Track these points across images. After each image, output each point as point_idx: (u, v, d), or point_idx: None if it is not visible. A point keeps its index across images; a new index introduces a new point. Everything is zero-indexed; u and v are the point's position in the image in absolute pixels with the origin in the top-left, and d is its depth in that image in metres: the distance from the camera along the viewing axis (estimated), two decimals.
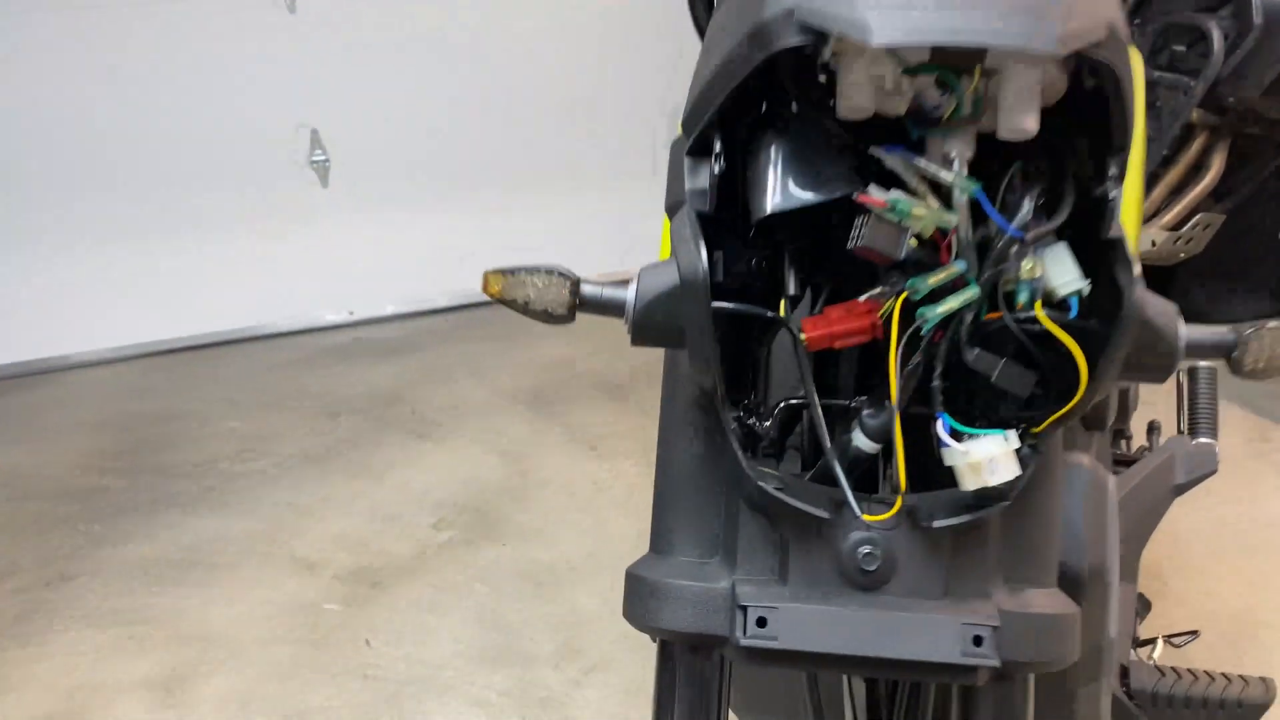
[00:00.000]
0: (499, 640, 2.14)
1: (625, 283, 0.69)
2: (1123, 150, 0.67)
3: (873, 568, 0.71)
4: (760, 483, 0.69)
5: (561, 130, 4.10)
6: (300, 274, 3.85)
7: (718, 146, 0.68)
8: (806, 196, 0.67)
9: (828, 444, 0.71)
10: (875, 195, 0.66)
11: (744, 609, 0.71)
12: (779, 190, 0.67)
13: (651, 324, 0.67)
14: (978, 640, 0.70)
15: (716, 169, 0.68)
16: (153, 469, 2.87)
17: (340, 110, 3.75)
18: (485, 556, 2.43)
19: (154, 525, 2.62)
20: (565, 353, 3.58)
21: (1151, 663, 1.48)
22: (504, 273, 0.68)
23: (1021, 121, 0.65)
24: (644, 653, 2.16)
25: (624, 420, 3.04)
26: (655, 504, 0.80)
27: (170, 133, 3.58)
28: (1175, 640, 1.67)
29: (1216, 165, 1.62)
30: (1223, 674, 1.37)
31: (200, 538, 2.57)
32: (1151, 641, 1.62)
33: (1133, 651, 1.50)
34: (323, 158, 3.73)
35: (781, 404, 0.79)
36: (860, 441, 0.73)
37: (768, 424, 0.79)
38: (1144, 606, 1.72)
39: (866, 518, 0.70)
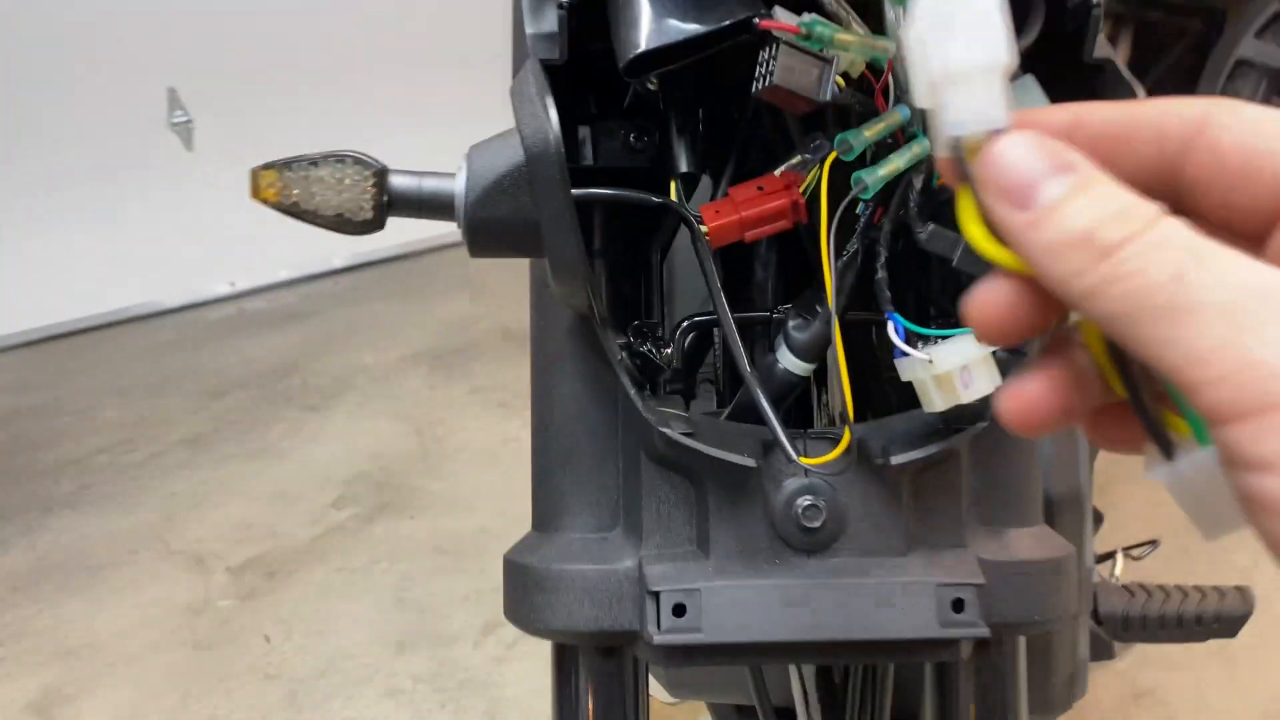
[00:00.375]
0: (412, 622, 1.96)
1: (441, 173, 0.50)
2: None
3: (816, 524, 0.54)
4: (662, 429, 0.51)
5: (441, 72, 3.86)
6: (174, 247, 3.57)
7: None
8: (691, 28, 0.48)
9: (746, 369, 0.53)
10: (784, 19, 0.48)
11: (655, 595, 0.54)
12: (654, 22, 0.48)
13: (492, 222, 0.49)
14: (958, 604, 0.54)
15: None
16: (28, 469, 2.62)
17: (199, 65, 3.45)
18: (392, 532, 2.24)
19: (32, 530, 2.38)
20: (469, 308, 3.37)
21: (1115, 581, 1.35)
22: (279, 167, 0.49)
23: None
24: None
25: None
26: (534, 469, 0.62)
27: (13, 100, 3.26)
28: (1134, 553, 1.56)
29: (1121, 53, 1.51)
30: (1196, 588, 1.24)
31: (82, 539, 2.33)
32: (1110, 555, 1.50)
33: (1095, 571, 1.38)
34: (184, 118, 3.44)
35: (684, 323, 0.61)
36: (788, 362, 0.56)
37: (668, 351, 0.61)
38: (1097, 519, 1.60)
39: (804, 460, 0.52)
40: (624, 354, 0.55)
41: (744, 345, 0.60)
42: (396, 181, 0.49)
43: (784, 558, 0.55)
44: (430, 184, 0.49)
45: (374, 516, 2.29)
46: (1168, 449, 0.32)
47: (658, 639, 0.53)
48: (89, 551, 2.29)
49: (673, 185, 0.55)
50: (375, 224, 0.49)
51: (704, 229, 0.53)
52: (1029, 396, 0.33)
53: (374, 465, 2.49)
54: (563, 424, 0.60)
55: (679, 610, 0.53)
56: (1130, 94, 0.48)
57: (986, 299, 0.32)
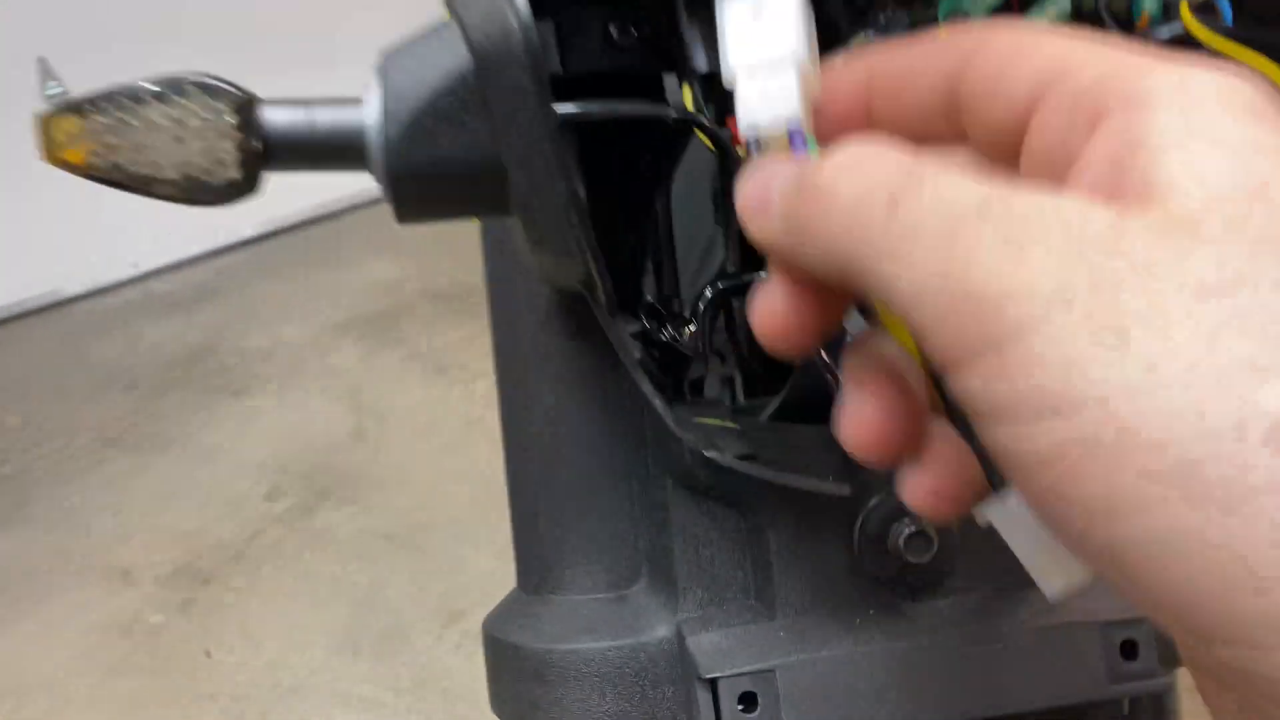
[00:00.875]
0: (368, 621, 1.79)
1: (339, 100, 0.33)
2: None
3: (925, 558, 0.39)
4: (709, 453, 0.35)
5: (359, 15, 3.59)
6: (66, 231, 3.30)
7: None
8: None
9: (821, 351, 0.37)
10: None
11: (711, 684, 0.38)
12: None
13: (425, 167, 0.31)
14: (1128, 649, 0.39)
15: None
16: None
17: (68, 28, 3.16)
18: (334, 523, 2.06)
19: None
20: (392, 270, 3.16)
21: None
22: (84, 109, 0.31)
23: None
24: None
25: (479, 336, 2.66)
26: (515, 511, 0.46)
27: None
28: None
29: None
30: None
31: None
32: None
33: None
34: (59, 89, 3.14)
35: (710, 288, 0.44)
36: (857, 325, 0.39)
37: (690, 330, 0.44)
38: None
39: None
40: (640, 347, 0.38)
41: None
42: (273, 117, 0.31)
43: (879, 605, 0.40)
44: (325, 117, 0.32)
45: (314, 507, 2.10)
46: (995, 476, 0.27)
47: None
48: None
49: (686, 91, 0.38)
50: (244, 186, 0.32)
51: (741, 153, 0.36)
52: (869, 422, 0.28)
53: (308, 449, 2.30)
54: (550, 448, 0.43)
55: (748, 702, 0.37)
56: None
57: (763, 310, 0.28)
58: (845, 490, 0.36)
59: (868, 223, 0.24)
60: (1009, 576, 0.39)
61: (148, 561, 2.03)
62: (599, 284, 0.33)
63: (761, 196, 0.27)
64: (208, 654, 1.78)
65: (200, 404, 2.55)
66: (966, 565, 0.39)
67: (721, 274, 0.44)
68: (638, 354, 0.36)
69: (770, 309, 0.28)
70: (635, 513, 0.43)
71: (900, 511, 0.39)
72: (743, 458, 0.36)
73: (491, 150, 0.31)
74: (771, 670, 0.37)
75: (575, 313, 0.42)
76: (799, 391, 0.42)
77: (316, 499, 2.12)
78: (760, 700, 0.37)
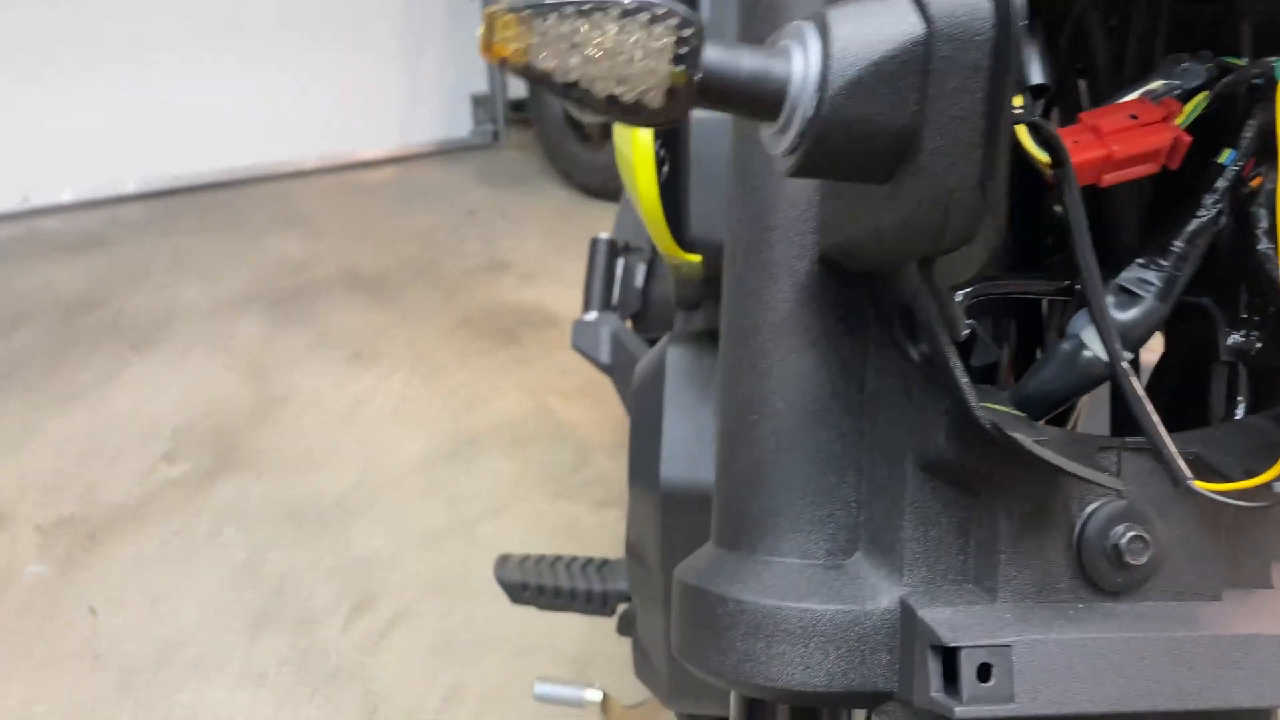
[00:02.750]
0: (268, 599, 1.73)
1: (768, 48, 0.34)
2: None
3: (1141, 560, 0.42)
4: (1014, 434, 0.38)
5: None
6: None
7: None
8: None
9: (1119, 354, 0.40)
10: None
11: (951, 652, 0.40)
12: None
13: (855, 126, 0.33)
14: None
15: None
16: None
17: None
18: (233, 493, 1.99)
19: None
20: (302, 247, 3.08)
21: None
22: (528, 14, 0.32)
23: None
24: (452, 596, 1.84)
25: (387, 323, 2.62)
26: (726, 468, 0.47)
27: None
28: None
29: None
30: (588, 560, 1.16)
31: None
32: None
33: None
34: None
35: (968, 290, 0.47)
36: (1099, 348, 0.43)
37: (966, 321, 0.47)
38: None
39: (1205, 487, 0.40)
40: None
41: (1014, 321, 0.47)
42: (714, 57, 0.33)
43: (1088, 601, 0.43)
44: (750, 62, 0.34)
45: (213, 476, 2.03)
46: None
47: (961, 711, 0.39)
48: None
49: (1018, 100, 0.41)
50: (669, 112, 0.33)
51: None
52: None
53: (208, 417, 2.22)
54: (784, 415, 0.45)
55: (984, 673, 0.40)
56: None
57: None
58: (1120, 485, 0.39)
59: None
60: (1203, 585, 0.43)
61: (28, 512, 1.92)
62: (977, 257, 0.35)
63: None
64: (93, 612, 1.69)
65: (91, 355, 2.43)
66: (1167, 572, 0.43)
67: (983, 279, 0.47)
68: (964, 328, 0.39)
69: None
70: (862, 486, 0.45)
71: (1123, 515, 0.42)
72: (1039, 441, 0.38)
73: (914, 118, 0.33)
74: (1009, 645, 0.40)
75: (831, 283, 0.44)
76: (1034, 398, 0.45)
77: (215, 466, 2.05)
78: (995, 673, 0.40)
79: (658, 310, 1.59)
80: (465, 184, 3.62)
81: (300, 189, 3.54)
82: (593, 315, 1.44)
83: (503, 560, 1.13)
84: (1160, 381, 0.48)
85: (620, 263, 1.58)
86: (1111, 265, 0.44)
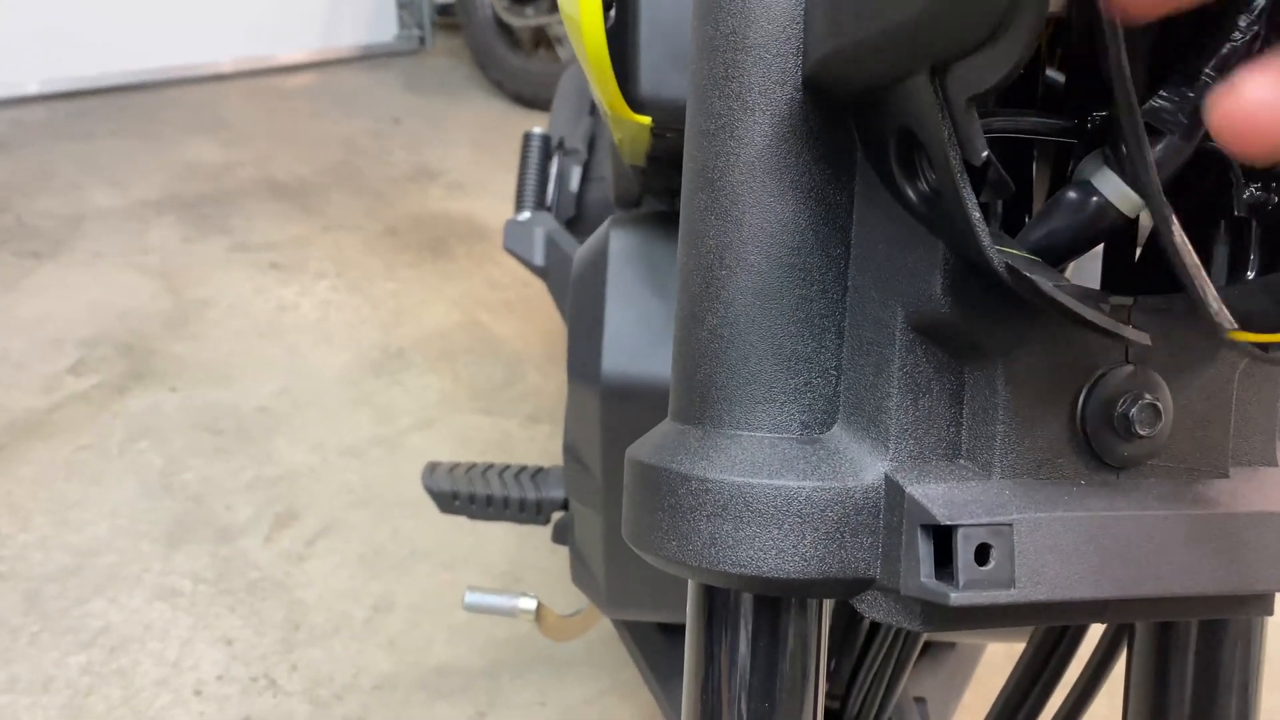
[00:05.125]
0: (185, 513, 1.66)
1: None
2: None
3: (1152, 430, 0.38)
4: (1031, 275, 0.33)
5: None
6: None
7: None
8: None
9: (1150, 171, 0.35)
10: None
11: (945, 533, 0.36)
12: None
13: None
14: None
15: None
16: None
17: None
18: (150, 407, 1.90)
19: None
20: (220, 153, 2.95)
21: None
22: None
23: None
24: (379, 509, 1.78)
25: (309, 232, 2.52)
26: (686, 332, 0.42)
27: None
28: None
29: None
30: (522, 468, 1.11)
31: None
32: None
33: None
34: None
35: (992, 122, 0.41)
36: (1112, 191, 0.38)
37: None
38: None
39: (1247, 337, 0.35)
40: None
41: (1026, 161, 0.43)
42: None
43: (1089, 475, 0.39)
44: None
45: (126, 387, 1.93)
46: None
47: (957, 597, 0.35)
48: None
49: None
50: None
51: None
52: None
53: (120, 326, 2.11)
54: (758, 265, 0.40)
55: (982, 555, 0.36)
56: None
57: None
58: (1146, 339, 0.35)
59: None
60: (1209, 461, 0.40)
61: None
62: (1007, 57, 0.30)
63: None
64: None
65: None
66: (1174, 447, 0.39)
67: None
68: (992, 161, 0.34)
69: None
70: (843, 350, 0.40)
71: (1133, 381, 0.38)
72: (1058, 285, 0.34)
73: None
74: (1009, 524, 0.36)
75: (816, 115, 0.39)
76: (1042, 244, 0.41)
77: (129, 380, 1.95)
78: (994, 555, 0.36)
79: (594, 215, 1.53)
80: (390, 91, 3.49)
81: (217, 93, 3.38)
82: (526, 215, 1.37)
83: (431, 468, 1.08)
84: (1158, 239, 0.44)
85: (555, 162, 1.51)
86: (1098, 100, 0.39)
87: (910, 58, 0.33)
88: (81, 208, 2.58)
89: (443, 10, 3.79)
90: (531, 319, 2.17)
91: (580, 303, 0.78)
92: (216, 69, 3.50)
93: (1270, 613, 0.42)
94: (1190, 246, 0.35)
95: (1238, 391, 0.41)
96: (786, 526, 0.38)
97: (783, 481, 0.38)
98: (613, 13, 0.61)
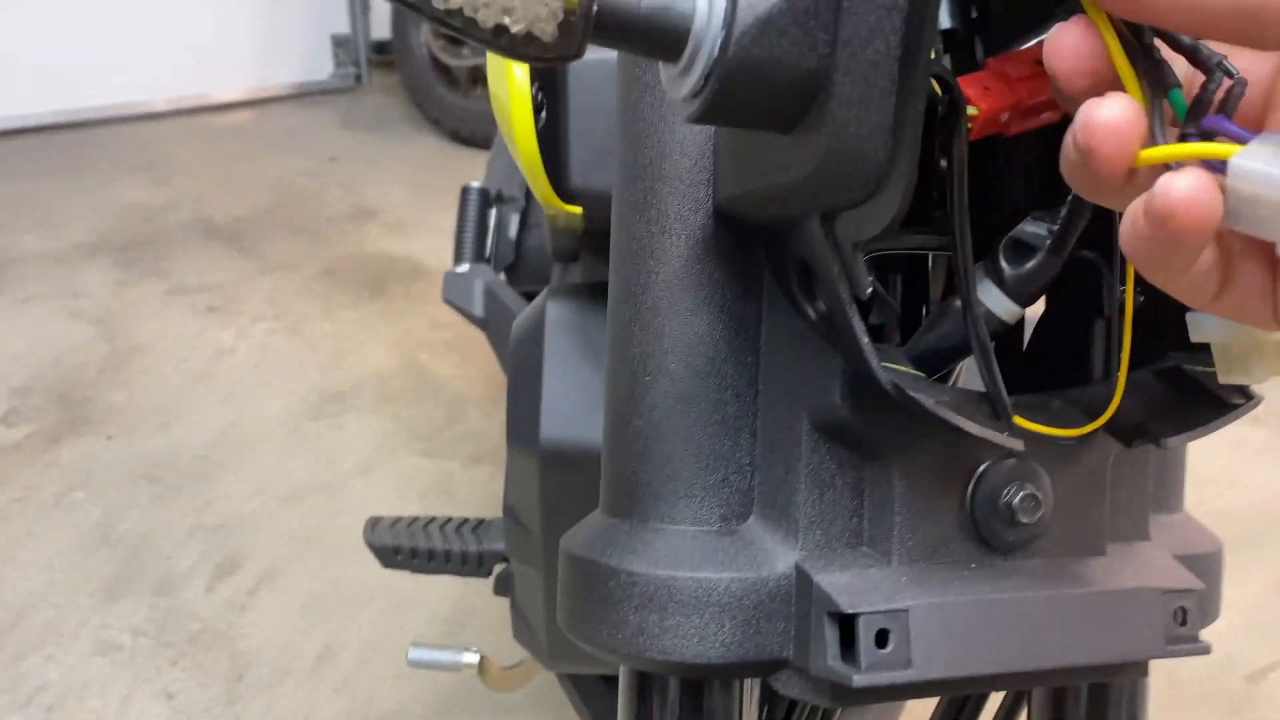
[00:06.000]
0: (124, 564, 1.65)
1: None
2: None
3: (1033, 518, 0.42)
4: (914, 394, 0.37)
5: None
6: None
7: None
8: None
9: (973, 297, 0.39)
10: None
11: (850, 620, 0.40)
12: None
13: (764, 64, 0.31)
14: (1180, 615, 0.44)
15: None
16: None
17: None
18: (86, 456, 1.89)
19: None
20: (153, 194, 2.93)
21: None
22: None
23: None
24: (322, 554, 1.79)
25: (246, 273, 2.52)
26: (614, 432, 0.45)
27: None
28: None
29: None
30: (464, 521, 1.12)
31: None
32: None
33: None
34: None
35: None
36: (994, 302, 0.43)
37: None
38: None
39: (1030, 426, 0.39)
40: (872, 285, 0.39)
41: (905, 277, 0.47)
42: None
43: (979, 560, 0.43)
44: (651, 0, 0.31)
45: (60, 436, 1.92)
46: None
47: (860, 679, 0.39)
48: None
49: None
50: (560, 48, 0.31)
51: (971, 111, 0.38)
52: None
53: (53, 374, 2.09)
54: (676, 375, 0.43)
55: (881, 639, 0.40)
56: None
57: (1062, 44, 0.31)
58: (1019, 445, 0.39)
59: None
60: (1088, 541, 0.44)
61: None
62: (885, 212, 0.33)
63: None
64: None
65: None
66: (1056, 529, 0.43)
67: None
68: (869, 284, 0.37)
69: (1068, 43, 0.31)
70: (755, 449, 0.44)
71: (1015, 473, 0.42)
72: (941, 401, 0.38)
73: (824, 61, 0.31)
74: (905, 610, 0.40)
75: (726, 237, 0.42)
76: (926, 354, 0.45)
77: (63, 428, 1.94)
78: (892, 639, 0.39)
79: (532, 262, 1.56)
80: (326, 129, 3.50)
81: (151, 132, 3.36)
82: (465, 267, 1.40)
83: (372, 523, 1.10)
84: (1042, 337, 0.48)
85: (493, 213, 1.54)
86: (1007, 218, 0.44)
87: (803, 206, 0.36)
88: (10, 251, 2.55)
89: (379, 48, 3.81)
90: (472, 358, 2.19)
91: (518, 371, 0.81)
92: (150, 108, 3.48)
93: (1146, 674, 0.46)
94: (990, 348, 0.39)
95: (1111, 475, 0.45)
96: (708, 615, 0.42)
97: (703, 574, 0.42)
98: (544, 115, 0.65)
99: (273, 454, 1.90)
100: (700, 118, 0.33)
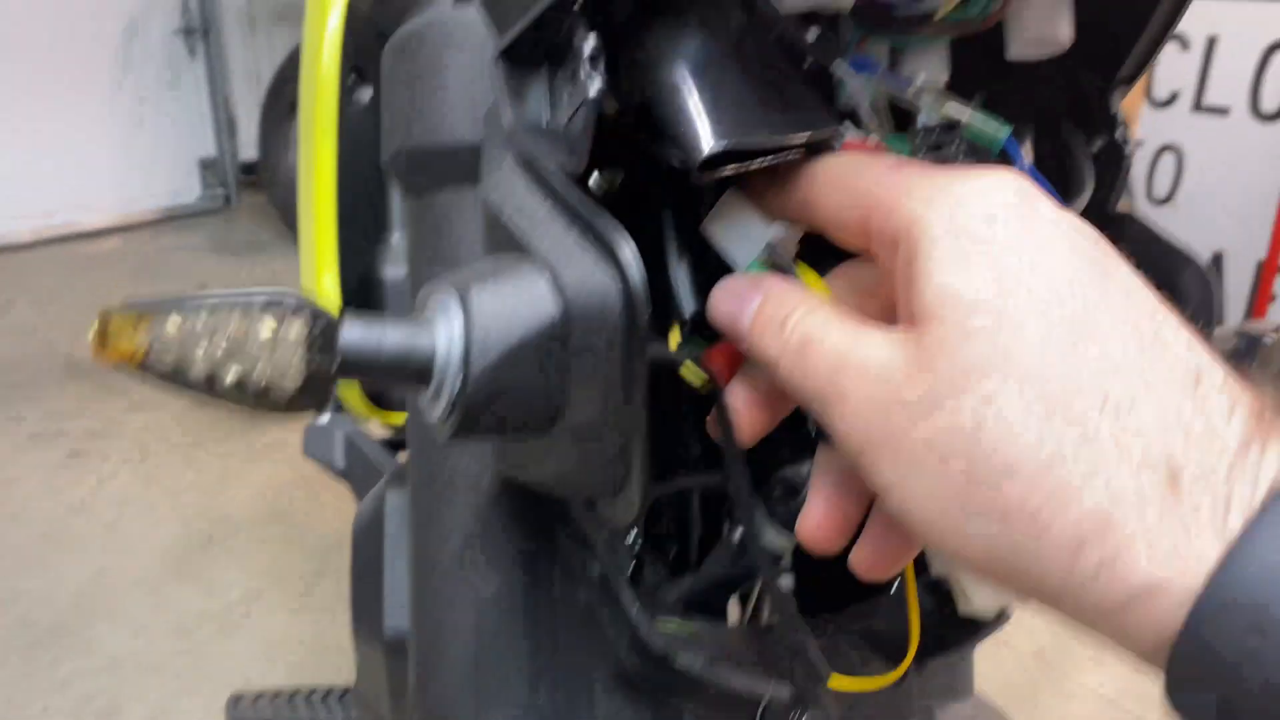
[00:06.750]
0: None
1: (410, 322, 0.34)
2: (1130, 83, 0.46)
3: None
4: (680, 662, 0.39)
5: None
6: None
7: (587, 46, 0.35)
8: (774, 139, 0.36)
9: (754, 531, 0.41)
10: (855, 137, 0.38)
11: None
12: (730, 116, 0.35)
13: (505, 395, 0.33)
14: None
15: (591, 86, 0.35)
16: None
17: None
18: None
19: None
20: (17, 331, 2.85)
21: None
22: (151, 312, 0.30)
23: (1052, 29, 0.41)
24: (220, 688, 1.69)
25: (112, 412, 2.45)
26: (423, 690, 0.46)
27: None
28: None
29: None
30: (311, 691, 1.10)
31: None
32: None
33: None
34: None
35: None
36: (770, 537, 0.45)
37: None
38: None
39: (846, 685, 0.42)
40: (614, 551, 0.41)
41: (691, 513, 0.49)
42: (348, 336, 0.32)
43: None
44: (395, 339, 0.33)
45: None
46: None
47: None
48: None
49: (674, 333, 0.42)
50: (304, 399, 0.32)
51: (701, 379, 0.40)
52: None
53: None
54: (468, 635, 0.45)
55: None
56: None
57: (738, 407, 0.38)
58: (782, 693, 0.41)
59: (807, 356, 0.33)
60: None
61: None
62: (626, 514, 0.35)
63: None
64: None
65: None
66: None
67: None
68: (629, 563, 0.39)
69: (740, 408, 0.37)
70: (557, 697, 0.45)
71: (795, 701, 0.44)
72: (710, 666, 0.40)
73: (559, 388, 0.33)
74: None
75: (515, 502, 0.44)
76: (701, 591, 0.47)
77: None
78: None
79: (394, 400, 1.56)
80: (197, 253, 3.45)
81: (14, 264, 3.28)
82: (325, 418, 1.39)
83: (235, 701, 1.07)
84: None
85: None
86: (786, 457, 0.46)
87: (571, 491, 0.38)
88: None
89: (247, 169, 3.79)
90: (345, 499, 2.16)
91: (359, 561, 0.81)
92: (14, 239, 3.40)
93: None
94: (788, 599, 0.42)
95: (913, 689, 0.48)
96: None
97: None
98: None
99: (130, 615, 1.83)
100: (454, 437, 0.35)
